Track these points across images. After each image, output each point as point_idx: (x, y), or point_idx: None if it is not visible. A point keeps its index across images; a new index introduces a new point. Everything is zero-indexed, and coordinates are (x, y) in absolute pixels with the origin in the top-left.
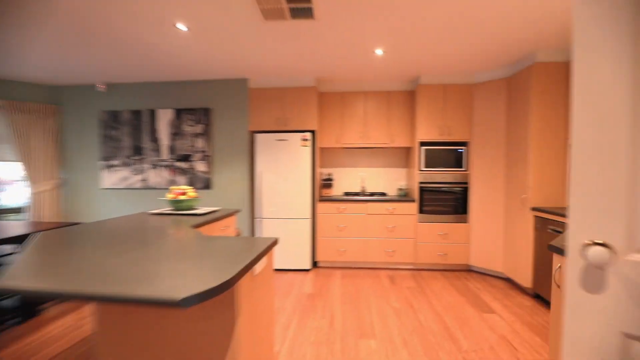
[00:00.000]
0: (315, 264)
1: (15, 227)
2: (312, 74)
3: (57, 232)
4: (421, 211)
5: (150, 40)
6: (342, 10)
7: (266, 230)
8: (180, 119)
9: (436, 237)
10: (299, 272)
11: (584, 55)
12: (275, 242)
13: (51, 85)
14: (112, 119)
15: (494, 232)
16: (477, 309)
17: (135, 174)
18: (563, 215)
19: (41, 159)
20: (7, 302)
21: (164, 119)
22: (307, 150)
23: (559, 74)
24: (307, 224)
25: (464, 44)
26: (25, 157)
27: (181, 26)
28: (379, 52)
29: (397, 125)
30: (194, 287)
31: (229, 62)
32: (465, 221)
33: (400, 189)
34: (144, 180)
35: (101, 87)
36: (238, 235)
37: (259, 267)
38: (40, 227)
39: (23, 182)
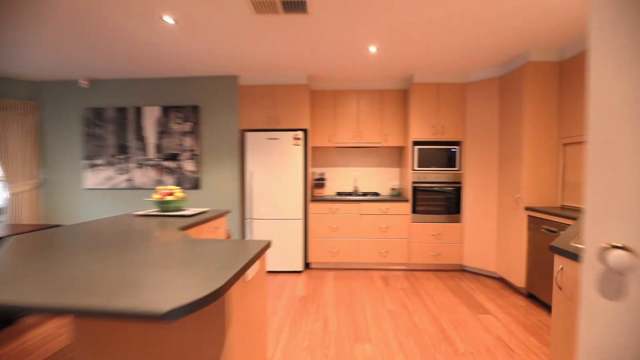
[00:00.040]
0: (307, 266)
1: None
2: (305, 71)
3: (32, 236)
4: (414, 211)
5: (136, 34)
6: (336, 5)
7: (257, 231)
8: (168, 117)
9: (429, 237)
10: (291, 274)
11: (600, 57)
12: (268, 246)
13: (30, 81)
14: (95, 117)
15: (487, 232)
16: (471, 310)
17: (120, 174)
18: (557, 215)
19: (19, 158)
20: None
21: (151, 117)
22: (299, 150)
23: (552, 73)
24: (299, 224)
25: (458, 42)
26: (2, 156)
27: (168, 19)
28: (372, 49)
29: (390, 125)
30: (180, 297)
31: (218, 58)
32: (458, 221)
33: (393, 189)
34: (129, 180)
35: (83, 83)
36: (228, 237)
37: (251, 272)
38: (15, 230)
39: (0, 182)
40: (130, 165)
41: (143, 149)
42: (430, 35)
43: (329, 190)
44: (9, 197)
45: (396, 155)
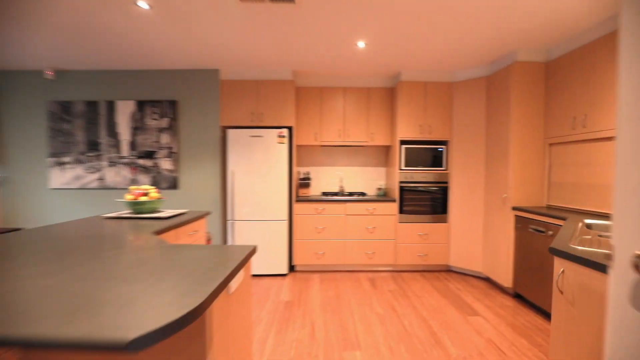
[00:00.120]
0: (292, 268)
1: None
2: (290, 66)
3: None
4: (401, 211)
5: (106, 19)
6: None
7: (240, 233)
8: (143, 112)
9: (416, 237)
10: (275, 278)
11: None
12: (253, 251)
13: None
14: (62, 111)
15: (474, 232)
16: (460, 312)
17: (91, 173)
18: (545, 215)
19: None
20: None
21: (125, 112)
22: (284, 148)
23: (539, 73)
24: (284, 226)
25: (447, 39)
26: None
27: (142, 3)
28: (361, 44)
29: (376, 123)
30: (149, 320)
31: (197, 49)
32: (445, 221)
33: (379, 189)
34: (100, 179)
35: (49, 74)
36: (209, 240)
37: (235, 283)
38: None
39: None
40: (101, 163)
41: (116, 146)
42: (420, 31)
43: (315, 190)
44: None
45: (382, 155)
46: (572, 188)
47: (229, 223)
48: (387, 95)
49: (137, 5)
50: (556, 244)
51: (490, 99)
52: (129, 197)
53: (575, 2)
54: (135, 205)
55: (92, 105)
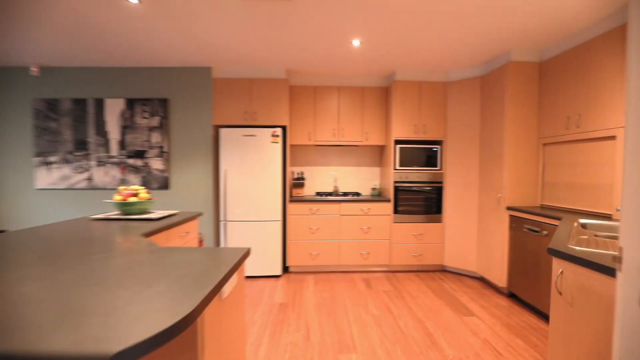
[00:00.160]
0: (286, 269)
1: None
2: (283, 64)
3: None
4: (396, 211)
5: (94, 13)
6: None
7: (233, 234)
8: (133, 110)
9: (411, 237)
10: (269, 279)
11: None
12: (247, 254)
13: None
14: (48, 108)
15: (468, 231)
16: (456, 312)
17: (79, 172)
18: (540, 215)
19: None
20: None
21: (114, 110)
22: (278, 147)
23: (533, 73)
24: (278, 226)
25: (442, 38)
26: None
27: None
28: (356, 42)
29: (371, 123)
30: (136, 330)
31: (189, 46)
32: (439, 221)
33: (373, 189)
34: (88, 179)
35: (34, 70)
36: (201, 242)
37: (228, 287)
38: None
39: None
40: (90, 163)
41: (105, 145)
42: (416, 30)
43: (309, 190)
44: None
45: (377, 154)
46: (565, 188)
47: (221, 224)
48: (382, 94)
49: (126, 0)
50: (554, 244)
51: (485, 99)
52: (117, 197)
53: (571, 2)
54: (124, 206)
55: (79, 103)
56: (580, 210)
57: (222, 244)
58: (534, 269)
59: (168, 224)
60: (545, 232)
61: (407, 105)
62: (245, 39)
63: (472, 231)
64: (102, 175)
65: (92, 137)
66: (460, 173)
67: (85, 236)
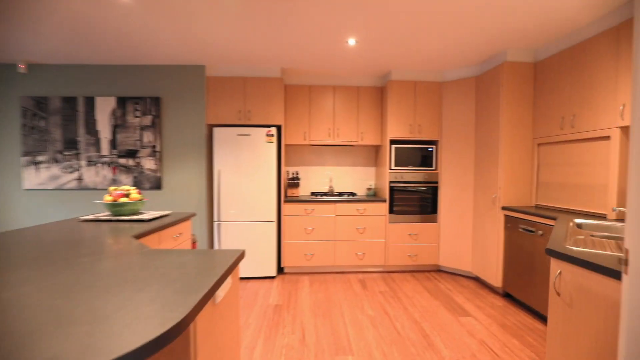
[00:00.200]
0: (281, 270)
1: None
2: (278, 63)
3: None
4: (392, 211)
5: (84, 9)
6: None
7: (226, 235)
8: (125, 109)
9: (406, 237)
10: (263, 280)
11: None
12: (241, 256)
13: None
14: (37, 107)
15: (463, 231)
16: (452, 312)
17: (68, 172)
18: (535, 215)
19: None
20: None
21: (105, 109)
22: (272, 147)
23: (528, 74)
24: (272, 227)
25: (438, 38)
26: None
27: None
28: (351, 41)
29: (366, 123)
30: (125, 340)
31: (182, 43)
32: (434, 221)
33: (369, 189)
34: (78, 179)
35: (22, 68)
36: (194, 243)
37: (222, 291)
38: None
39: None
40: (80, 162)
41: (95, 144)
42: (412, 29)
43: (304, 190)
44: None
45: (372, 154)
46: (559, 188)
47: (215, 225)
48: (377, 94)
49: None
50: (552, 244)
51: (480, 99)
52: (108, 198)
53: (571, 1)
54: (115, 207)
55: (69, 101)
56: (574, 210)
57: (216, 245)
58: (529, 268)
59: (160, 225)
60: (540, 232)
61: (402, 105)
62: (242, 37)
63: (467, 231)
64: (93, 175)
65: (82, 136)
66: (456, 173)
67: (75, 238)
